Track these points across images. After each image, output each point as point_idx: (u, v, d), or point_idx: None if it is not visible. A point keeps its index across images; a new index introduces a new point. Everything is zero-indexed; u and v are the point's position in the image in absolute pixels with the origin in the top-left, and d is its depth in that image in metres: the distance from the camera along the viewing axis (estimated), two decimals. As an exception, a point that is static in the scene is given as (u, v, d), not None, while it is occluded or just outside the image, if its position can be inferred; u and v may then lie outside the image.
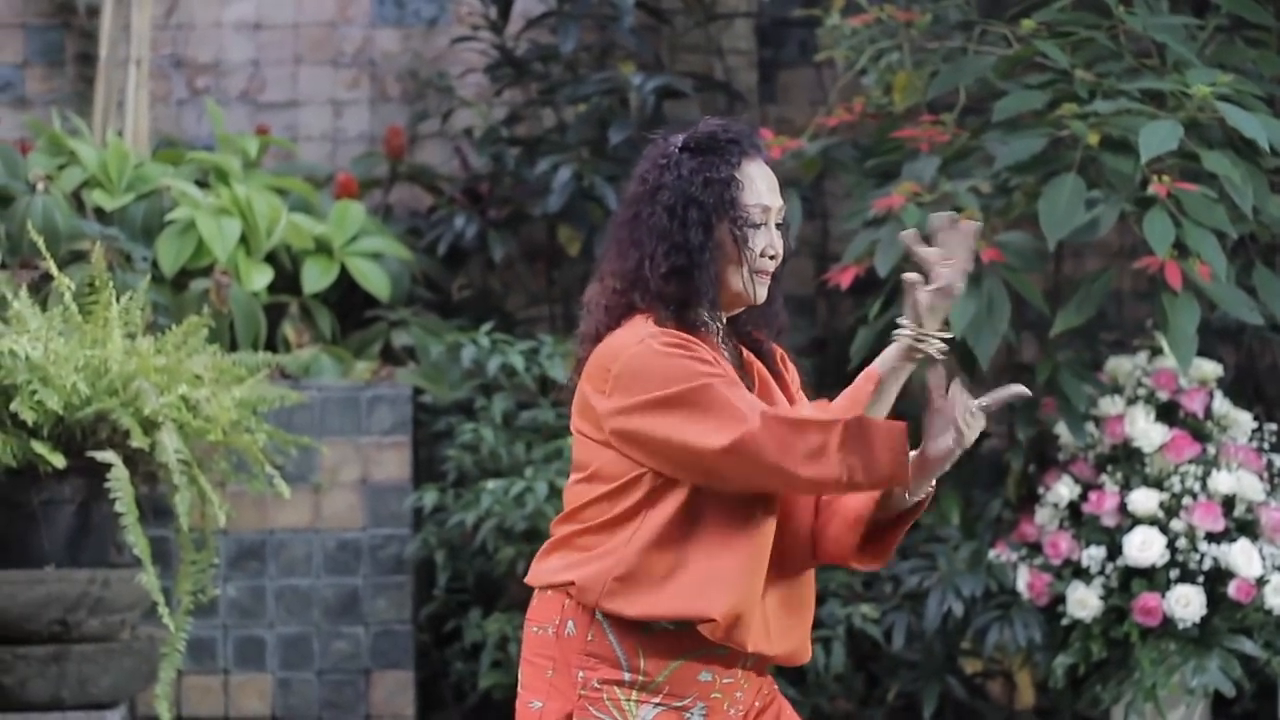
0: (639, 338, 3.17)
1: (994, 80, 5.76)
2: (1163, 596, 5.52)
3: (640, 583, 3.17)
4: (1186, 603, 5.50)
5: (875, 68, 6.15)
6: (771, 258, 3.25)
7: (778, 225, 3.27)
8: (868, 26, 6.13)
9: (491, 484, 5.84)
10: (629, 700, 3.19)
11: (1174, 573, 5.55)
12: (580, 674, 3.19)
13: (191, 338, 5.45)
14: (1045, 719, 6.19)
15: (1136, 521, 5.60)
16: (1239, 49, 5.85)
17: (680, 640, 3.18)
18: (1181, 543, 5.56)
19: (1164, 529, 5.58)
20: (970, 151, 5.80)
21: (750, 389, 3.24)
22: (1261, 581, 5.56)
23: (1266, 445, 5.82)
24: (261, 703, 6.09)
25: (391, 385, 6.16)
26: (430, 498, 5.99)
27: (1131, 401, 5.77)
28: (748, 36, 7.02)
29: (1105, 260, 6.52)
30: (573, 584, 3.18)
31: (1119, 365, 5.85)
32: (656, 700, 3.19)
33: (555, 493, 5.82)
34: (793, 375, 3.39)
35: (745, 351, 3.32)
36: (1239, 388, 6.39)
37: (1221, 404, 5.81)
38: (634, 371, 3.15)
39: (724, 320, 3.28)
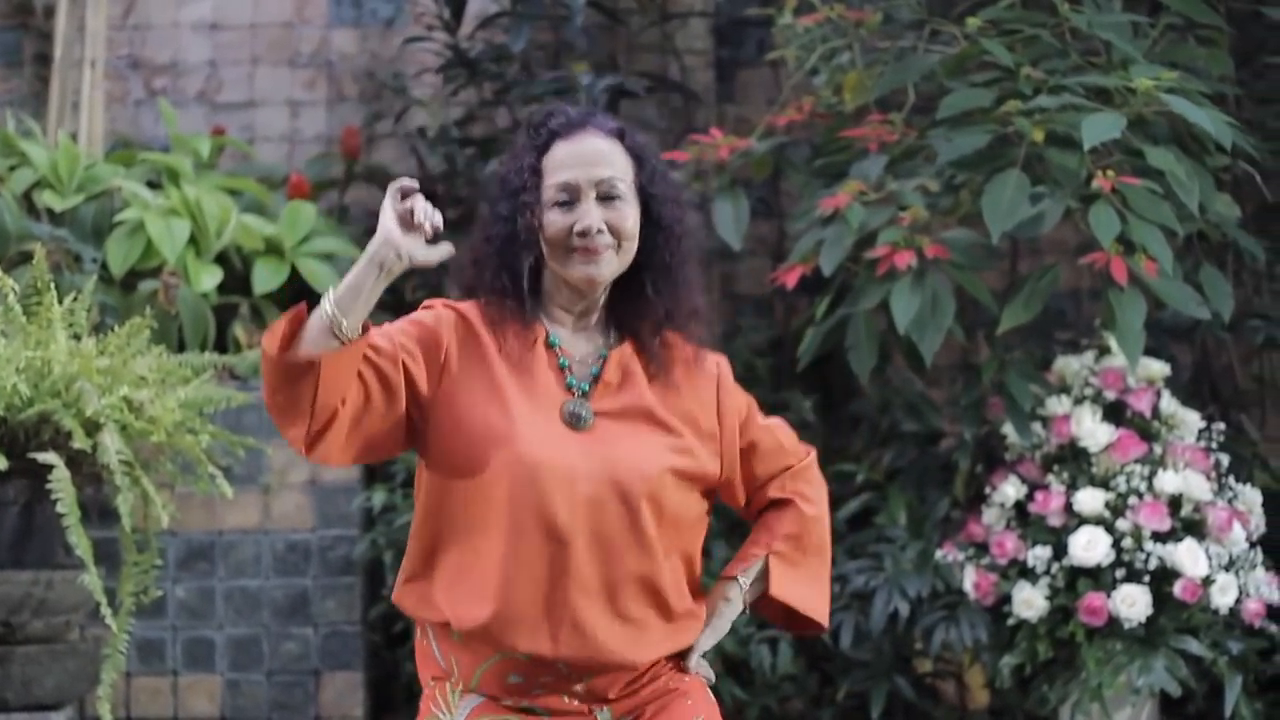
0: None
1: (942, 79, 5.75)
2: (1108, 596, 5.50)
3: (412, 585, 3.22)
4: (1132, 603, 5.48)
5: (826, 67, 6.14)
6: (583, 234, 3.17)
7: (609, 198, 3.19)
8: (819, 26, 6.11)
9: (437, 484, 5.82)
10: (454, 691, 3.22)
11: (1119, 572, 5.53)
12: (423, 672, 3.28)
13: (134, 339, 5.44)
14: (998, 719, 6.18)
15: (1082, 521, 5.58)
16: (1188, 48, 5.84)
17: (485, 642, 3.17)
18: (1127, 542, 5.54)
19: (1110, 529, 5.56)
20: (918, 150, 5.79)
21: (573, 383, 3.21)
22: (1207, 581, 5.54)
23: (1214, 445, 5.81)
24: (210, 704, 6.08)
25: (341, 386, 6.14)
26: (379, 498, 5.99)
27: (1079, 401, 5.75)
28: (704, 36, 7.02)
29: (1061, 260, 6.51)
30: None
31: (1066, 365, 5.84)
32: (480, 692, 3.21)
33: (501, 493, 5.81)
34: (714, 380, 3.31)
35: (624, 347, 3.25)
36: (1195, 387, 6.38)
37: (1169, 403, 5.79)
38: None
39: (575, 307, 3.24)
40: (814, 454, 3.43)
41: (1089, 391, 5.77)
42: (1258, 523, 5.73)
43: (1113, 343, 5.70)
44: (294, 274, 6.38)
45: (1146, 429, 5.74)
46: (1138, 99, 5.38)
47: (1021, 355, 5.82)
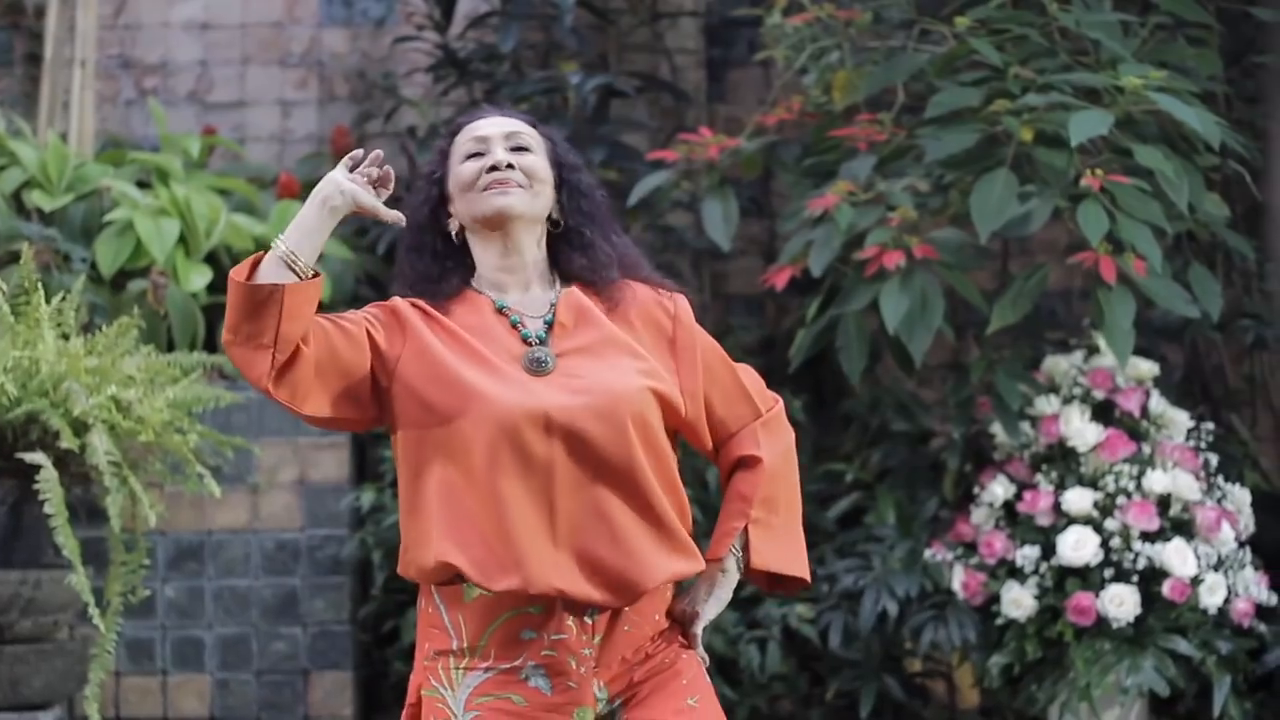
0: None
1: (931, 78, 5.75)
2: (1097, 596, 5.50)
3: (407, 546, 3.25)
4: (1120, 602, 5.48)
5: (816, 66, 6.14)
6: (494, 169, 3.28)
7: (519, 149, 3.32)
8: (808, 25, 6.11)
9: (426, 484, 5.82)
10: (457, 668, 3.21)
11: (1108, 572, 5.53)
12: (426, 645, 3.26)
13: (123, 338, 5.44)
14: (988, 719, 6.17)
15: (1071, 521, 5.58)
16: (1178, 47, 5.84)
17: (497, 601, 3.18)
18: (1116, 542, 5.54)
19: (1098, 528, 5.56)
20: (907, 150, 5.79)
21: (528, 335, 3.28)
22: (1196, 581, 5.54)
23: (1203, 444, 5.80)
24: (200, 703, 6.08)
25: (330, 385, 6.14)
26: (368, 498, 5.98)
27: (1067, 401, 5.75)
28: (695, 36, 7.01)
29: (1052, 260, 6.51)
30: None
31: (1055, 364, 5.83)
32: (485, 666, 3.20)
33: (489, 493, 5.81)
34: (670, 316, 3.31)
35: (573, 290, 3.32)
36: (1186, 387, 6.38)
37: (1158, 403, 5.79)
38: None
39: (506, 262, 3.31)
40: (780, 402, 3.43)
41: (1078, 391, 5.77)
42: (1247, 522, 5.73)
43: (1102, 342, 5.70)
44: (283, 273, 6.36)
45: (1135, 429, 5.74)
46: (1126, 98, 5.39)
47: (1010, 355, 5.81)
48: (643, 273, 3.38)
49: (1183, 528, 5.61)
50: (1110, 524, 5.55)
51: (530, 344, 3.27)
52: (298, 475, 6.12)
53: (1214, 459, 5.77)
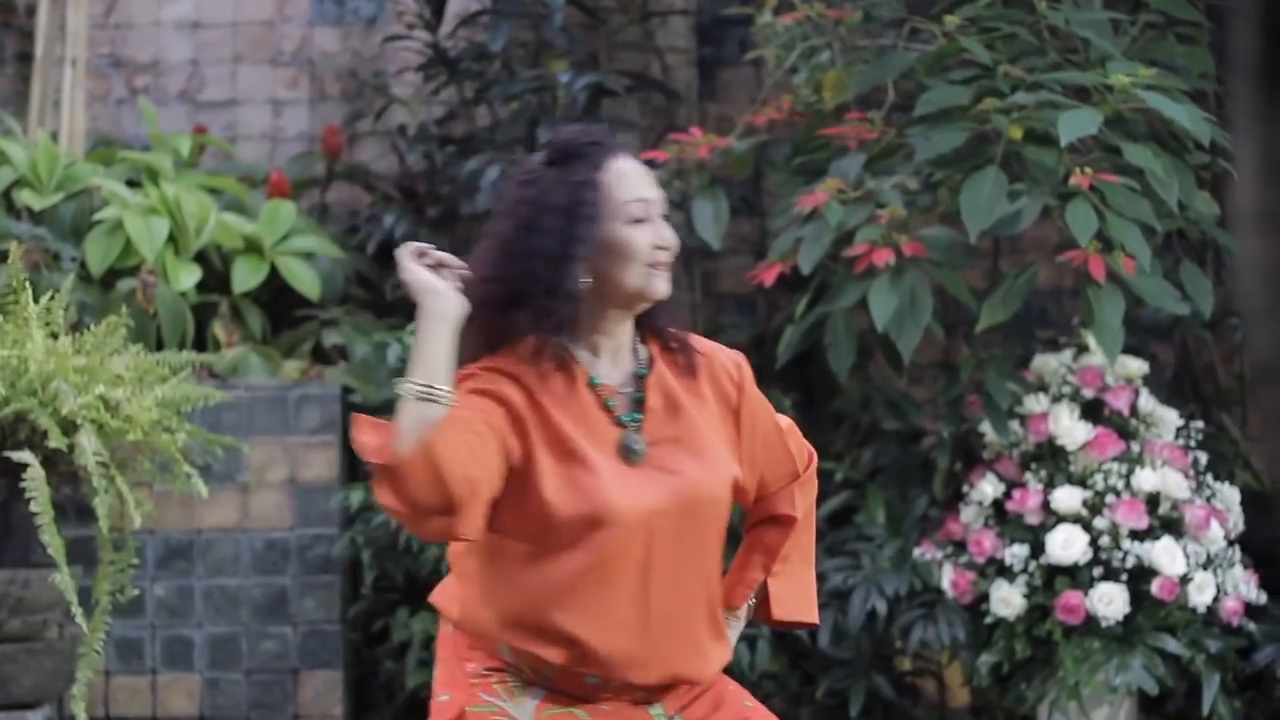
0: None
1: (921, 77, 5.75)
2: (1086, 595, 5.50)
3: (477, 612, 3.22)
4: (1109, 601, 5.48)
5: (806, 65, 6.14)
6: (665, 249, 3.18)
7: (663, 216, 3.23)
8: (799, 24, 6.12)
9: (414, 482, 5.82)
10: (518, 683, 3.23)
11: (1097, 571, 5.53)
12: (469, 665, 3.23)
13: (111, 337, 5.44)
14: (978, 717, 6.17)
15: (1060, 519, 5.58)
16: (1168, 45, 5.84)
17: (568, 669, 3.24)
18: (1105, 541, 5.54)
19: (1087, 527, 5.56)
20: (897, 148, 5.79)
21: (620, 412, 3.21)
22: (1185, 580, 5.54)
23: (1193, 443, 5.80)
24: (189, 703, 6.08)
25: (320, 384, 6.15)
26: (357, 497, 5.98)
27: (1057, 399, 5.75)
28: (686, 35, 7.01)
29: (1043, 258, 6.51)
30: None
31: (1045, 363, 5.83)
32: (547, 686, 3.23)
33: (479, 492, 5.80)
34: (735, 384, 3.29)
35: (658, 362, 3.24)
36: (1177, 385, 6.38)
37: (1147, 401, 5.79)
38: None
39: (617, 333, 3.22)
40: (815, 458, 3.45)
41: (1067, 390, 5.76)
42: (1236, 521, 5.73)
43: (1091, 341, 5.70)
44: (273, 272, 6.38)
45: (1124, 427, 5.74)
46: (1115, 96, 5.38)
47: (1000, 353, 5.81)
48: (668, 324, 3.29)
49: (1172, 526, 5.61)
50: (1099, 522, 5.55)
51: (624, 428, 3.20)
52: (288, 474, 6.12)
53: (1203, 458, 5.77)
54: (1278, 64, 1.51)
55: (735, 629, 3.39)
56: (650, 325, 3.25)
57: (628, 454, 3.18)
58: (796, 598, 3.39)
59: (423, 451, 2.93)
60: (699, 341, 3.30)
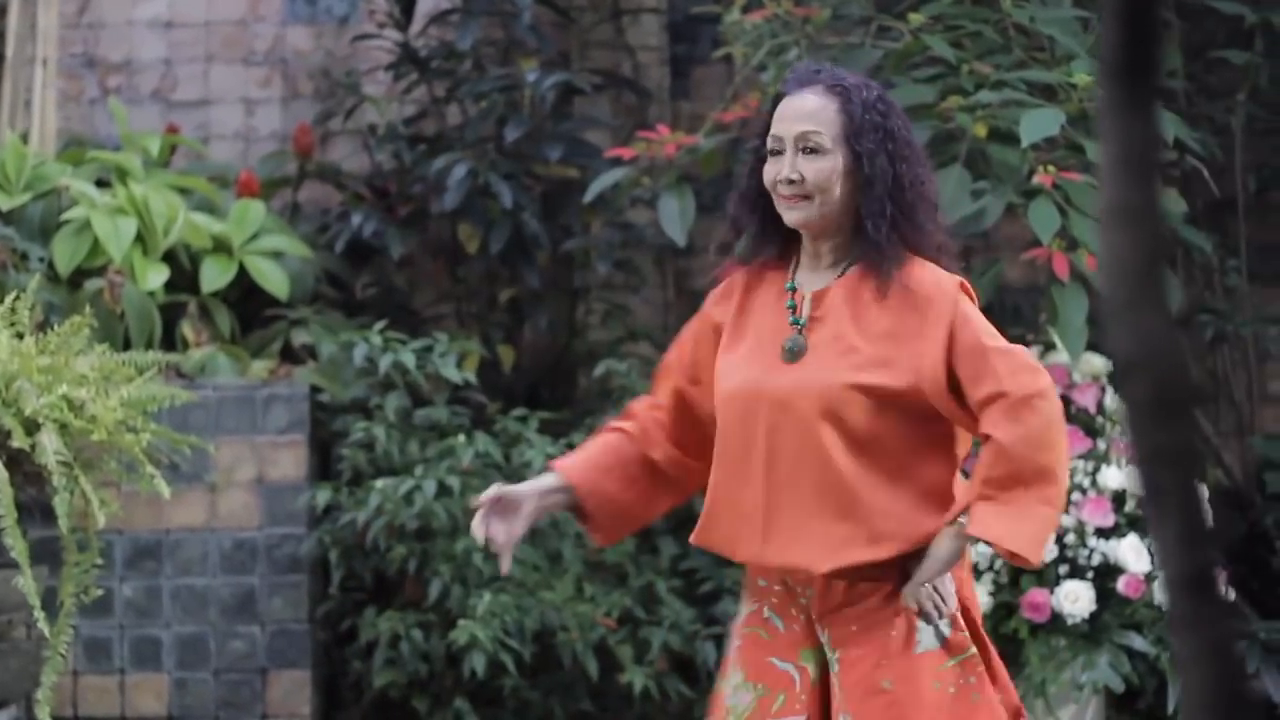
0: None
1: (887, 75, 5.74)
2: (1051, 592, 5.50)
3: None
4: (1075, 599, 5.48)
5: (774, 63, 6.13)
6: (789, 182, 3.46)
7: (808, 150, 3.47)
8: (767, 22, 6.10)
9: (380, 483, 5.82)
10: (739, 603, 3.67)
11: (1063, 568, 5.53)
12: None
13: (74, 337, 5.43)
14: (950, 716, 6.16)
15: (1027, 517, 5.57)
16: (1136, 42, 5.83)
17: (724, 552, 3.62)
18: (1070, 538, 5.54)
19: (1054, 524, 5.55)
20: (863, 146, 5.77)
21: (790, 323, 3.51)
22: (1151, 577, 5.53)
23: (1159, 440, 5.78)
24: (158, 703, 6.07)
25: (288, 384, 6.14)
26: (324, 496, 5.97)
27: (1023, 396, 5.73)
28: (658, 33, 7.00)
29: (1014, 256, 6.50)
30: None
31: (1012, 360, 5.82)
32: (749, 604, 3.60)
33: (444, 491, 5.80)
34: (949, 300, 3.46)
35: (844, 279, 3.50)
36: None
37: (1114, 399, 5.78)
38: None
39: (809, 245, 3.54)
40: (1039, 386, 3.41)
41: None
42: (1206, 518, 5.70)
43: (1057, 338, 5.69)
44: (242, 272, 6.37)
45: (1090, 425, 5.74)
46: (1080, 94, 5.38)
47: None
48: (932, 254, 3.55)
49: (1137, 524, 5.61)
50: (1065, 520, 5.55)
51: (796, 328, 3.50)
52: (255, 474, 6.11)
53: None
54: (1136, 58, 1.50)
55: (943, 548, 3.38)
56: (863, 246, 3.50)
57: (789, 354, 3.48)
58: (997, 523, 3.34)
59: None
60: (915, 267, 3.49)
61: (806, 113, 3.50)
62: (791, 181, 3.45)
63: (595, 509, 3.62)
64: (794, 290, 3.52)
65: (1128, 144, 1.51)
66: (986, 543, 3.39)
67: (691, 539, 3.59)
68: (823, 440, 3.40)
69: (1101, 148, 1.55)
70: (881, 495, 3.40)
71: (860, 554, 3.40)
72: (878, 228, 3.46)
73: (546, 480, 3.62)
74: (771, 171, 3.49)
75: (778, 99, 3.55)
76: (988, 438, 3.37)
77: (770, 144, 3.50)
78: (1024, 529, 3.36)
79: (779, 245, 3.56)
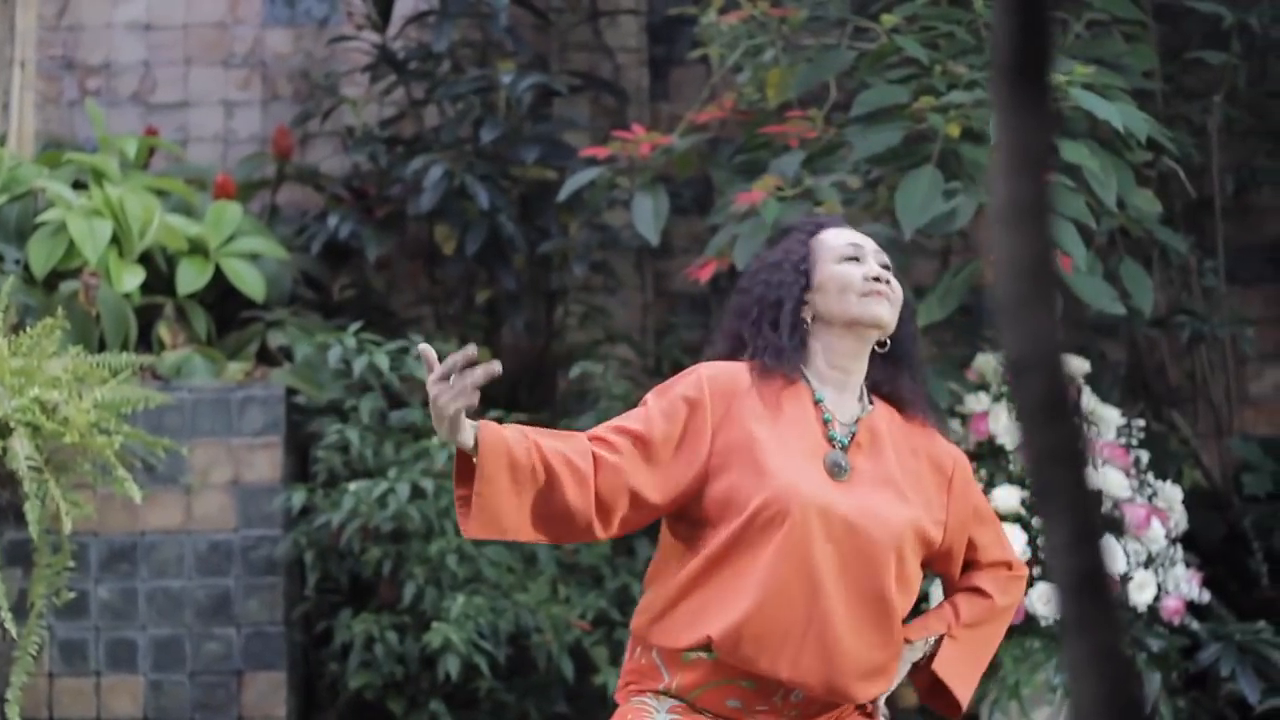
0: None
1: (862, 75, 5.73)
2: (1025, 594, 5.48)
3: (663, 622, 3.45)
4: (1049, 600, 5.46)
5: (750, 64, 6.12)
6: (875, 279, 3.49)
7: (884, 266, 3.54)
8: (743, 23, 6.10)
9: (354, 485, 5.81)
10: (665, 692, 3.46)
11: (1036, 570, 5.51)
12: (632, 686, 3.51)
13: (47, 339, 5.43)
14: (928, 717, 6.15)
15: (1000, 518, 5.55)
16: (1113, 43, 5.82)
17: (714, 668, 3.41)
18: (1044, 540, 5.51)
19: (1026, 526, 5.54)
20: (838, 146, 5.77)
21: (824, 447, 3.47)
22: (1125, 579, 5.52)
23: (1134, 441, 5.79)
24: (133, 705, 6.06)
25: (264, 386, 6.13)
26: (298, 498, 5.96)
27: (997, 399, 5.73)
28: (636, 34, 7.00)
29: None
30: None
31: (986, 362, 5.82)
32: (683, 701, 3.45)
33: (418, 493, 5.80)
34: (952, 458, 3.58)
35: (875, 413, 3.52)
36: (1130, 384, 6.36)
37: (1088, 400, 5.77)
38: None
39: (842, 364, 3.52)
40: (1026, 574, 3.74)
41: (1007, 389, 5.74)
42: (1178, 520, 5.70)
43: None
44: (219, 274, 6.36)
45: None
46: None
47: (939, 352, 5.80)
48: (928, 413, 3.61)
49: (1112, 525, 5.59)
50: (1039, 522, 5.53)
51: (834, 445, 3.48)
52: (231, 476, 6.10)
53: (1145, 456, 5.75)
54: (1027, 55, 1.50)
55: (906, 659, 3.55)
56: (883, 383, 3.57)
57: (835, 469, 3.46)
58: (960, 668, 3.58)
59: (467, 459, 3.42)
60: (920, 417, 3.59)
61: (874, 243, 3.61)
62: (880, 280, 3.50)
63: (481, 485, 3.35)
64: (822, 404, 3.51)
65: (1020, 142, 1.50)
66: (938, 692, 3.60)
67: (713, 640, 3.37)
68: (889, 571, 3.42)
69: (995, 145, 1.54)
70: (899, 631, 3.50)
71: (886, 685, 3.50)
72: (914, 377, 3.59)
73: (470, 430, 3.33)
74: (859, 271, 3.51)
75: (812, 230, 3.62)
76: (979, 590, 3.62)
77: (850, 251, 3.54)
78: (970, 681, 3.64)
79: (803, 359, 3.54)
